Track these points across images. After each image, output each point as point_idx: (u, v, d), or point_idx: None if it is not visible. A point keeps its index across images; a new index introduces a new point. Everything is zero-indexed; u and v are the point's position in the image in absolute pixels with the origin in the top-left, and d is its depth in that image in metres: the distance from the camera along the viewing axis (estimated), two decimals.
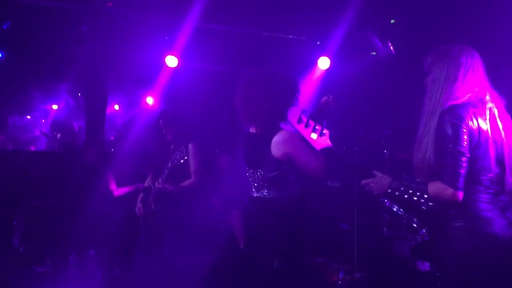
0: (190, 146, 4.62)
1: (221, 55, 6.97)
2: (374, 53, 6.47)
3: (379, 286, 4.37)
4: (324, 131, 2.47)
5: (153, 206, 4.61)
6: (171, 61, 6.65)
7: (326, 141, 2.47)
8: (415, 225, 4.35)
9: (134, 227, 4.90)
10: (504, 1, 4.63)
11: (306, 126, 2.46)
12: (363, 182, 2.54)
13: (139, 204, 4.72)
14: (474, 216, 2.34)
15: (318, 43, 6.64)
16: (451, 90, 2.43)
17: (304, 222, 3.17)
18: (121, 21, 6.03)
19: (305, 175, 3.07)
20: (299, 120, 2.46)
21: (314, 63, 6.63)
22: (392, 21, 5.99)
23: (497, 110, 2.47)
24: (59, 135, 9.91)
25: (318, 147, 2.47)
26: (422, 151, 2.42)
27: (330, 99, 3.20)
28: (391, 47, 6.20)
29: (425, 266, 3.87)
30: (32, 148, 10.02)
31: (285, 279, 3.04)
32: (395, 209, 4.52)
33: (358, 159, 2.59)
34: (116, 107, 10.72)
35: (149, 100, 8.72)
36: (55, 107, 11.57)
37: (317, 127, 2.46)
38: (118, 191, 5.58)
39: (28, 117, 11.39)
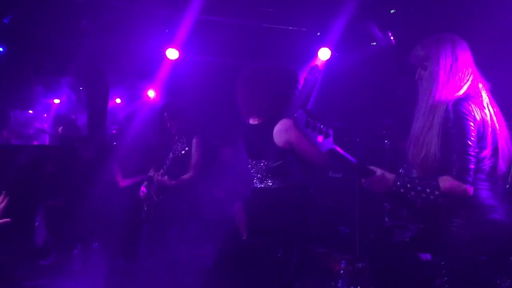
0: (194, 140, 4.67)
1: (222, 47, 6.97)
2: (374, 43, 6.47)
3: (381, 276, 4.39)
4: (329, 133, 2.49)
5: (155, 198, 4.65)
6: (172, 53, 6.66)
7: (330, 143, 2.49)
8: None
9: (137, 219, 4.93)
10: None
11: (313, 129, 2.48)
12: (364, 180, 2.53)
13: (143, 188, 4.77)
14: (478, 204, 2.37)
15: (318, 34, 6.64)
16: (451, 84, 2.42)
17: (308, 211, 3.21)
18: (121, 14, 6.03)
19: (307, 163, 3.09)
20: (307, 124, 2.47)
21: (315, 54, 6.62)
22: (392, 10, 5.99)
23: (488, 98, 2.48)
24: (60, 128, 9.93)
25: (323, 149, 2.49)
26: (425, 147, 2.42)
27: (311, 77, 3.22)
28: (391, 37, 6.20)
29: (427, 255, 3.89)
30: (35, 143, 10.03)
31: (288, 269, 3.08)
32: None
33: (360, 158, 2.56)
34: (118, 100, 10.73)
35: (151, 93, 8.72)
36: (57, 101, 11.58)
37: (323, 129, 2.48)
38: (123, 182, 5.63)
39: (30, 111, 11.40)
